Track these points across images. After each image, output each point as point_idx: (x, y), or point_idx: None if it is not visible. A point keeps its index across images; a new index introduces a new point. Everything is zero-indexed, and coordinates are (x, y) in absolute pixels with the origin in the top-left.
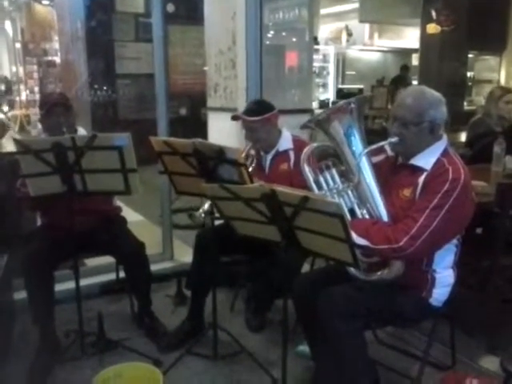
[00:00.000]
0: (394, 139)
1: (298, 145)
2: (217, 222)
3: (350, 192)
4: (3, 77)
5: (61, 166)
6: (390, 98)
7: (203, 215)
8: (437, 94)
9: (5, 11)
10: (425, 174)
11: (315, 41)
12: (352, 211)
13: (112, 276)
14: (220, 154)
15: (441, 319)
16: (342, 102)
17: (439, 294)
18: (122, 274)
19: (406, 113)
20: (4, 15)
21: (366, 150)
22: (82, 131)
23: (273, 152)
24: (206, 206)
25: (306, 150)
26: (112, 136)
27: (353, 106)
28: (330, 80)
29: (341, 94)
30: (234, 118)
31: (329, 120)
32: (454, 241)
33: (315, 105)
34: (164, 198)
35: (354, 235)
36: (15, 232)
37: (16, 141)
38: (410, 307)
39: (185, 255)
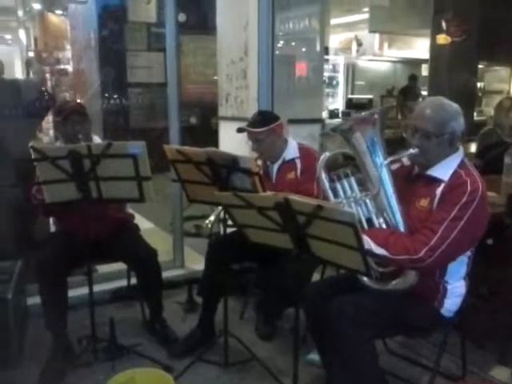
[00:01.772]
0: (414, 151)
1: (304, 153)
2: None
3: (368, 201)
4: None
5: (76, 173)
6: (400, 109)
7: (210, 226)
8: (455, 106)
9: (19, 21)
10: (442, 185)
11: (326, 51)
12: (369, 220)
13: (123, 282)
14: (233, 162)
15: (451, 329)
16: (365, 113)
17: (451, 304)
18: (133, 281)
19: (428, 124)
20: (18, 25)
21: (387, 161)
22: (96, 139)
23: (279, 161)
24: (212, 217)
25: (323, 157)
26: (127, 144)
27: (376, 117)
28: (340, 90)
29: (350, 103)
30: (240, 130)
31: (352, 130)
32: (468, 252)
33: (325, 114)
34: (175, 206)
35: (372, 245)
36: (29, 238)
37: (33, 148)
38: (420, 317)
39: (195, 263)
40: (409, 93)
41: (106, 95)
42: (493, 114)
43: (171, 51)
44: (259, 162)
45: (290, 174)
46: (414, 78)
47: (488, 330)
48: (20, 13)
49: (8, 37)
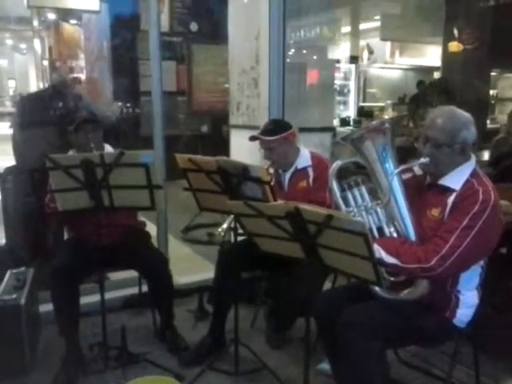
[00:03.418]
0: (425, 160)
1: (316, 161)
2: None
3: (378, 210)
4: None
5: (89, 181)
6: (411, 117)
7: (222, 234)
8: (467, 115)
9: (34, 30)
10: (454, 194)
11: (356, 60)
12: (380, 229)
13: (135, 290)
14: (244, 171)
15: (464, 340)
16: (376, 122)
17: (463, 314)
18: (144, 288)
19: (439, 134)
20: (33, 34)
21: (397, 170)
22: (108, 148)
23: (291, 170)
24: (225, 225)
25: (334, 166)
26: (139, 153)
27: (387, 126)
28: (351, 98)
29: (362, 111)
30: (252, 138)
31: (363, 139)
32: (481, 262)
33: (336, 122)
34: (161, 219)
35: (383, 253)
36: (42, 245)
37: (47, 157)
38: (432, 327)
39: (206, 271)
40: (420, 100)
41: (119, 104)
42: (506, 121)
43: (155, 59)
44: (271, 171)
45: (302, 182)
46: (422, 84)
47: (501, 341)
48: (35, 22)
49: (23, 46)
